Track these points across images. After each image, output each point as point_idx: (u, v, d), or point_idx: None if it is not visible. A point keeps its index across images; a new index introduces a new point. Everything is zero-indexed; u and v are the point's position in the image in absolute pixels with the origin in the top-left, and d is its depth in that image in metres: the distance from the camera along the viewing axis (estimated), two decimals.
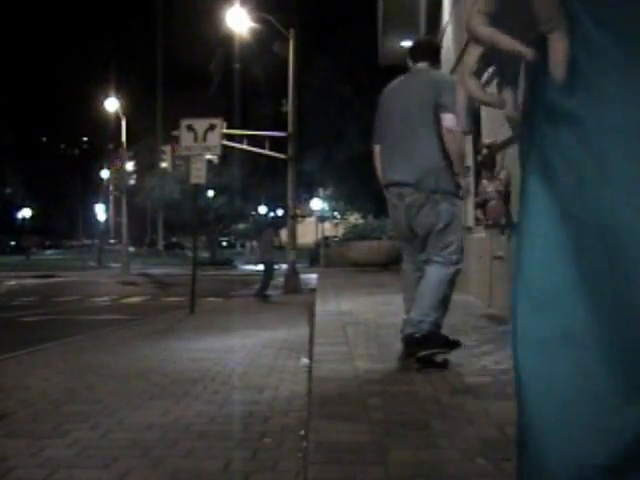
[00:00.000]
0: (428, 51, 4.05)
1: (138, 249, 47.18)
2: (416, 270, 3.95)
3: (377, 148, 4.07)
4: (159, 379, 4.41)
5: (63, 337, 7.04)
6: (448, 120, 3.60)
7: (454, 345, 3.79)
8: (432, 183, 3.71)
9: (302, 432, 2.99)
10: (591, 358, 0.70)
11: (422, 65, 3.97)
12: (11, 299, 14.61)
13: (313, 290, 11.64)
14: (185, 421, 3.29)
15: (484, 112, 6.96)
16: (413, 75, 4.00)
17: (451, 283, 3.77)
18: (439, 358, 3.66)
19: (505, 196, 5.59)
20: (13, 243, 56.76)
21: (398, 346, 4.53)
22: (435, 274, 3.73)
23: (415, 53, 4.02)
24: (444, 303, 3.72)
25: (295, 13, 16.43)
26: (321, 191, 34.60)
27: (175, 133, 12.60)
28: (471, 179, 6.39)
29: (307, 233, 41.60)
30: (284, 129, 15.12)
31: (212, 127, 9.85)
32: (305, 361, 4.84)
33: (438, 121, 3.65)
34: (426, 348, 3.63)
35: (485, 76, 0.81)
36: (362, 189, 28.43)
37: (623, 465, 0.70)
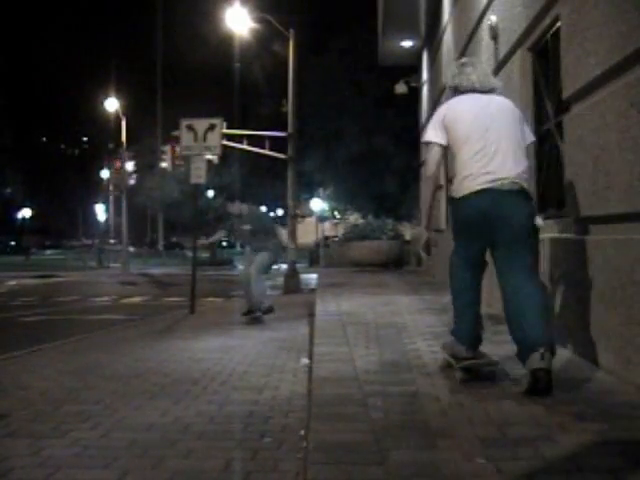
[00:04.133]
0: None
1: (138, 249, 47.06)
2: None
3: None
4: (159, 379, 4.41)
5: (63, 337, 7.05)
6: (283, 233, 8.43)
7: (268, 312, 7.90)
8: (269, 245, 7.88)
9: (302, 432, 2.99)
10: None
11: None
12: (11, 299, 14.61)
13: (313, 290, 11.64)
14: (185, 421, 3.29)
15: None
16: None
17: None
18: (260, 318, 7.71)
19: None
20: (13, 243, 56.70)
21: (398, 346, 4.55)
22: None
23: None
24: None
25: (295, 13, 16.42)
26: (321, 191, 34.58)
27: (175, 133, 12.61)
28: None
29: (307, 233, 41.60)
30: (284, 129, 15.10)
31: (212, 127, 9.84)
32: (305, 361, 4.84)
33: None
34: (252, 313, 7.79)
35: None
36: (362, 189, 28.43)
37: None
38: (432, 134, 3.59)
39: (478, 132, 3.40)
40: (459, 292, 3.58)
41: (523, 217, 3.33)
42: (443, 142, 3.55)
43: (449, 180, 3.96)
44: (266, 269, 7.98)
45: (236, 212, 8.20)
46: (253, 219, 8.08)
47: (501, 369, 3.61)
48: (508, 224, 3.31)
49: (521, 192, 3.34)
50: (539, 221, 3.43)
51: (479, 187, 3.33)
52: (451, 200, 3.56)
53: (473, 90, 3.59)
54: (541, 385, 3.06)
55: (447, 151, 3.63)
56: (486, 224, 3.35)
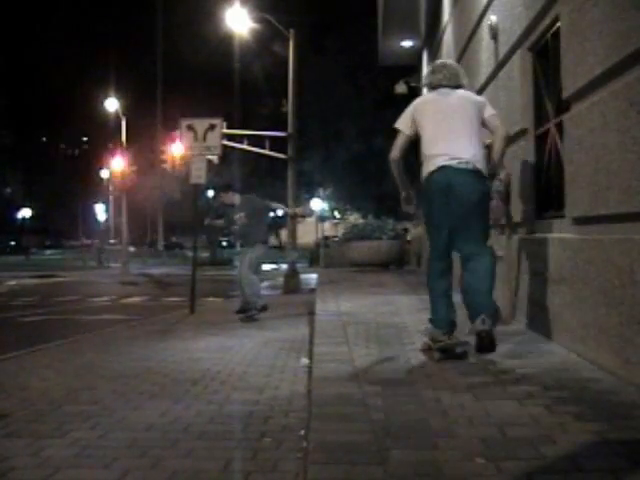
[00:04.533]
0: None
1: (138, 249, 47.07)
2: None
3: None
4: (159, 379, 4.41)
5: (63, 337, 7.05)
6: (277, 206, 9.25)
7: (263, 310, 8.02)
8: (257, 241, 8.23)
9: (302, 432, 2.99)
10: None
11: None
12: (11, 299, 14.61)
13: (313, 290, 11.63)
14: (185, 421, 3.29)
15: None
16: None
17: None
18: (254, 316, 7.93)
19: (505, 196, 5.59)
20: (13, 243, 56.69)
21: (398, 346, 4.54)
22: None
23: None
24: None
25: (295, 13, 16.40)
26: (321, 191, 34.57)
27: (175, 133, 12.59)
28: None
29: (307, 233, 41.59)
30: (284, 129, 15.11)
31: (212, 127, 9.83)
32: (305, 361, 4.84)
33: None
34: (246, 312, 8.00)
35: None
36: (362, 189, 28.45)
37: None
38: (401, 123, 4.23)
39: (439, 121, 4.05)
40: (434, 282, 4.18)
41: (475, 192, 3.93)
42: (408, 132, 4.19)
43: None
44: (256, 267, 8.19)
45: (229, 201, 8.42)
46: (246, 205, 8.28)
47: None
48: (462, 197, 3.90)
49: (474, 171, 3.92)
50: (494, 199, 4.36)
51: (438, 165, 3.96)
52: (421, 185, 4.16)
53: (442, 86, 4.21)
54: (484, 343, 3.73)
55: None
56: (444, 197, 3.94)
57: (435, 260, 4.18)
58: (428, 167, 4.02)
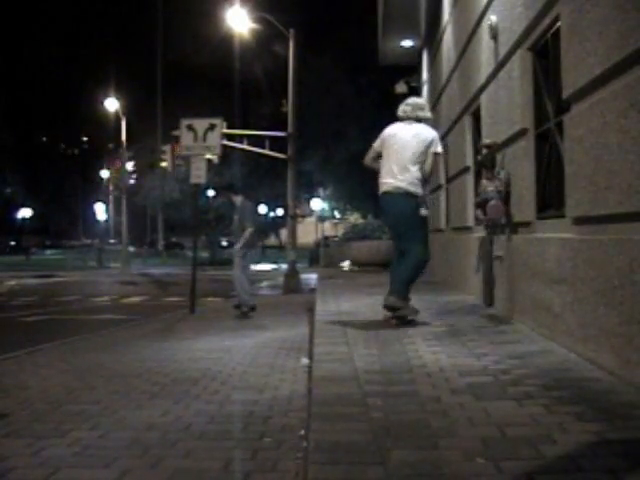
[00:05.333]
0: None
1: (138, 249, 47.04)
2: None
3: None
4: (159, 379, 4.41)
5: (63, 337, 7.05)
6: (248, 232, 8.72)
7: (252, 310, 8.65)
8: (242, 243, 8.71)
9: (302, 432, 2.99)
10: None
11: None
12: (11, 299, 14.61)
13: (313, 290, 11.63)
14: (185, 421, 3.29)
15: (484, 112, 6.95)
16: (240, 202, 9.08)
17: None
18: (248, 314, 8.54)
19: (505, 196, 5.59)
20: (13, 243, 56.67)
21: (398, 346, 4.54)
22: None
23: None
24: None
25: (295, 13, 16.39)
26: (321, 191, 34.57)
27: (175, 133, 12.60)
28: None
29: (307, 233, 41.59)
30: (284, 129, 15.12)
31: (212, 127, 9.85)
32: (305, 361, 4.84)
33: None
34: (240, 308, 8.67)
35: None
36: (362, 189, 28.41)
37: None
38: (375, 142, 5.61)
39: (392, 152, 5.41)
40: (392, 266, 5.65)
41: (404, 208, 5.32)
42: (377, 149, 5.58)
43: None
44: (245, 267, 8.64)
45: (230, 200, 8.93)
46: (239, 210, 8.68)
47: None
48: (391, 215, 5.48)
49: (404, 194, 5.29)
50: (423, 212, 5.33)
51: (381, 190, 5.46)
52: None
53: (405, 119, 5.52)
54: (387, 311, 5.33)
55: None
56: (386, 215, 5.64)
57: (394, 250, 5.72)
58: (380, 189, 5.47)
